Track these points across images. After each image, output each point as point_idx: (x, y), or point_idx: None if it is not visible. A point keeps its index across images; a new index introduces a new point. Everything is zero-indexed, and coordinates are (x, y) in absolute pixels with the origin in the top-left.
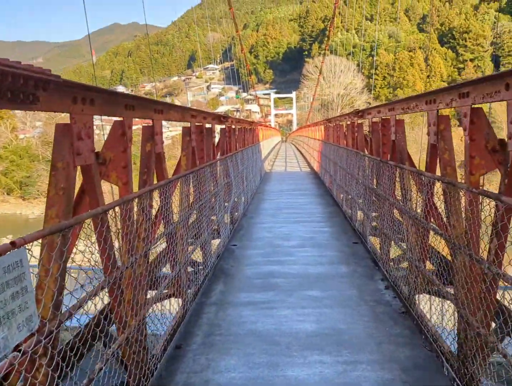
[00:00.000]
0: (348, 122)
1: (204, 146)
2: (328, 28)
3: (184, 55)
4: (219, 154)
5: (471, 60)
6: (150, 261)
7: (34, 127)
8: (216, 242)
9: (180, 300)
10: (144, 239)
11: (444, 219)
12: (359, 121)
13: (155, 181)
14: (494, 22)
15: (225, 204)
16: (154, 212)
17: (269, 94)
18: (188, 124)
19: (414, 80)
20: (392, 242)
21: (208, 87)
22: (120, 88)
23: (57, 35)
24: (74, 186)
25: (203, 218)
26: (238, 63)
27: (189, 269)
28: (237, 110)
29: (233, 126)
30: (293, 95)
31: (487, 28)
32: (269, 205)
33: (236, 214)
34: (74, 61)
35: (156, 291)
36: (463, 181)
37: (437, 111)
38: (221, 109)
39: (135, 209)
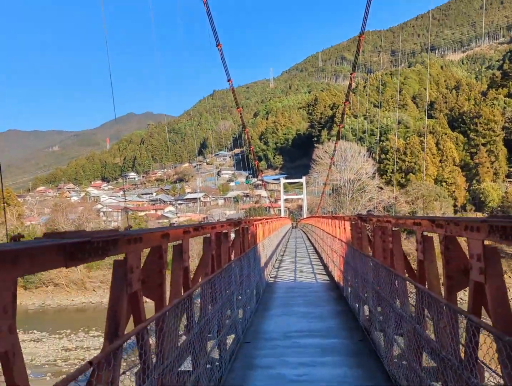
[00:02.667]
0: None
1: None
2: (335, 115)
3: (195, 143)
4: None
5: (483, 144)
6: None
7: (41, 214)
8: None
9: None
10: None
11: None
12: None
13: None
14: (504, 107)
15: None
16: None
17: (278, 179)
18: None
19: (427, 165)
20: None
21: (218, 173)
22: (132, 175)
23: (74, 125)
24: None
25: None
26: (247, 150)
27: None
28: (246, 196)
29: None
30: (303, 180)
31: (497, 113)
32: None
33: None
34: (89, 149)
35: None
36: None
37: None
38: (230, 195)
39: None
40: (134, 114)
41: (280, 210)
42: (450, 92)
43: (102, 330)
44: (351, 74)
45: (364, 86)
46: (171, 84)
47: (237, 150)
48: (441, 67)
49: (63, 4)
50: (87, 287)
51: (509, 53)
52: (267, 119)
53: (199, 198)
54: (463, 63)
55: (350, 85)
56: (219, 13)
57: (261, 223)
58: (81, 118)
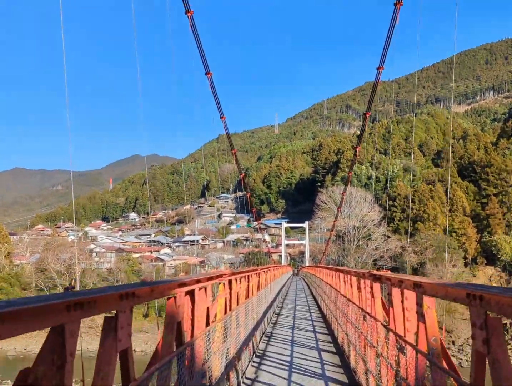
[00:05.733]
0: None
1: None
2: (340, 161)
3: (198, 185)
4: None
5: (495, 195)
6: None
7: (33, 253)
8: None
9: None
10: None
11: None
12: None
13: None
14: None
15: None
16: None
17: (280, 223)
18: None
19: (436, 214)
20: None
21: (219, 216)
22: (132, 215)
23: (79, 165)
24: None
25: None
26: (250, 194)
27: None
28: (246, 239)
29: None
30: (305, 225)
31: (509, 163)
32: None
33: None
34: (92, 189)
35: None
36: None
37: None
38: (230, 238)
39: None
40: (139, 156)
41: (281, 256)
42: (457, 142)
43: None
44: (365, 113)
45: (370, 134)
46: (177, 129)
47: (239, 193)
48: (447, 118)
49: (74, 50)
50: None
51: None
52: (270, 163)
53: (197, 241)
54: (468, 115)
55: (363, 125)
56: (228, 60)
57: (263, 272)
58: (87, 158)
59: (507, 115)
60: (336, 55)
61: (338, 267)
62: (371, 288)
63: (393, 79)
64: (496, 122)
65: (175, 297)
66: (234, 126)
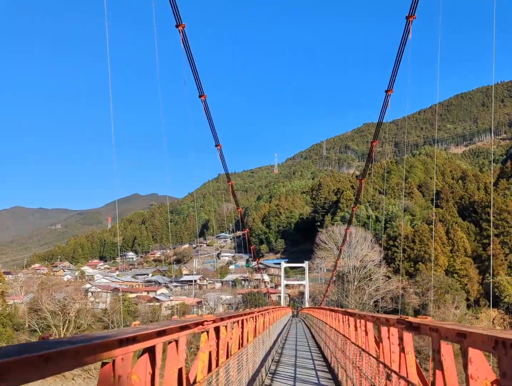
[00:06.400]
0: None
1: None
2: (340, 200)
3: (197, 224)
4: None
5: (496, 235)
6: None
7: (27, 293)
8: None
9: None
10: None
11: None
12: None
13: None
14: None
15: None
16: None
17: (279, 263)
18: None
19: (437, 254)
20: None
21: (218, 255)
22: (130, 254)
23: (79, 204)
24: None
25: None
26: (249, 233)
27: None
28: (245, 280)
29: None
30: (305, 265)
31: (510, 203)
32: None
33: None
34: (91, 228)
35: None
36: None
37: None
38: (228, 278)
39: None
40: (139, 195)
41: (280, 296)
42: (457, 183)
43: None
44: (372, 142)
45: (369, 174)
46: (176, 168)
47: (238, 233)
48: (445, 158)
49: (69, 88)
50: (65, 375)
51: None
52: (270, 202)
53: (195, 281)
54: (466, 156)
55: (370, 154)
56: (225, 100)
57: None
58: (87, 197)
59: (505, 156)
60: (336, 96)
61: (348, 310)
62: (400, 339)
63: (391, 121)
64: (494, 164)
65: (113, 361)
66: (234, 166)
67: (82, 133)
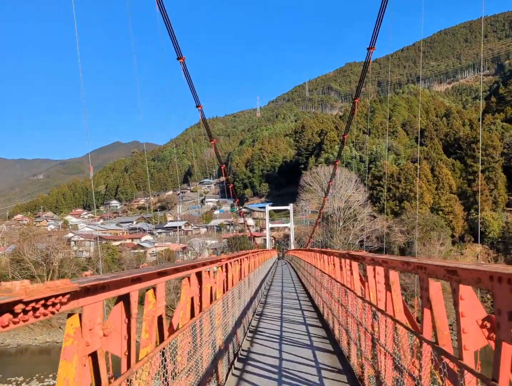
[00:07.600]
0: None
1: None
2: (323, 142)
3: (180, 170)
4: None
5: (482, 171)
6: None
7: (10, 244)
8: None
9: None
10: None
11: None
12: None
13: None
14: (503, 133)
15: None
16: None
17: (264, 207)
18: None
19: (422, 192)
20: None
21: (202, 201)
22: (114, 203)
23: (60, 154)
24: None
25: None
26: (233, 178)
27: None
28: (230, 224)
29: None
30: (290, 207)
31: (495, 138)
32: None
33: None
34: (74, 177)
35: None
36: None
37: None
38: (214, 223)
39: None
40: (121, 143)
41: (265, 239)
42: (441, 120)
43: None
44: (354, 99)
45: (352, 114)
46: (157, 114)
47: (222, 178)
48: (430, 96)
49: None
50: (53, 324)
51: (495, 84)
52: (253, 146)
53: (180, 227)
54: (449, 94)
55: (352, 110)
56: (209, 41)
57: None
58: (68, 147)
59: (488, 93)
60: (317, 36)
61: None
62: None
63: (374, 60)
64: (477, 100)
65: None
66: (216, 110)
67: (62, 82)
